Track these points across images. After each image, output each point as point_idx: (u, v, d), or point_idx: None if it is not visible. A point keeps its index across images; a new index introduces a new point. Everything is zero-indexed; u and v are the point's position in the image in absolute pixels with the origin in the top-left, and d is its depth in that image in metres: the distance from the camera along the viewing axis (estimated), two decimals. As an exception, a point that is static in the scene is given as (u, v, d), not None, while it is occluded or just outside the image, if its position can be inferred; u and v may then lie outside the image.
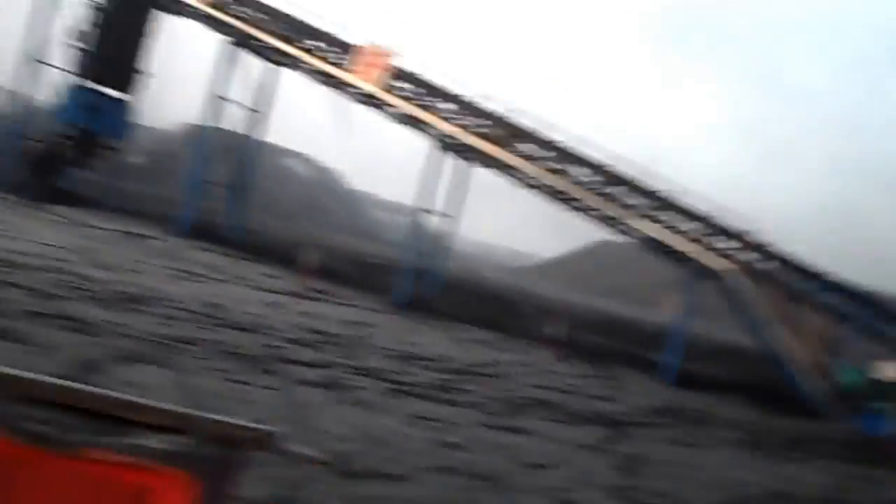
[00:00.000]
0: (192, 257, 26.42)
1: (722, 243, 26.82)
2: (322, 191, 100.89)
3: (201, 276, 22.71)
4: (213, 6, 31.23)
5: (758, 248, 26.49)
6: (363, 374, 13.77)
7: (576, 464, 11.33)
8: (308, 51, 30.50)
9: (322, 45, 30.52)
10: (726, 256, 26.29)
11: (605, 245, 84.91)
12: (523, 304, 40.67)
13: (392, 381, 13.78)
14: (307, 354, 14.35)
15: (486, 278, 65.94)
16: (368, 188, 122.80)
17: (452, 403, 13.32)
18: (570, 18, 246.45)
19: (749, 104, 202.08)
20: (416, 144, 30.45)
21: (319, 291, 25.83)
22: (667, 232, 26.91)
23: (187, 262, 24.94)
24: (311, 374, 12.75)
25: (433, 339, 21.78)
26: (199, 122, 34.14)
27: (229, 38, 31.58)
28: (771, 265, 26.43)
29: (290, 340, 15.44)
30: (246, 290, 21.92)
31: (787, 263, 26.46)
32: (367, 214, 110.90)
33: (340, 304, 24.72)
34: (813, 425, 23.05)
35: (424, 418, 11.56)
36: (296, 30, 30.77)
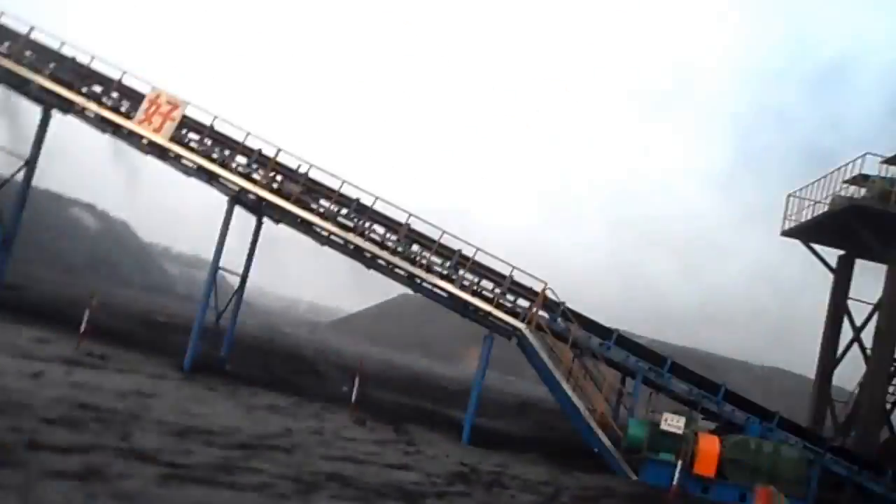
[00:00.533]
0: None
1: (518, 301, 27.13)
2: (111, 243, 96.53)
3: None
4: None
5: (550, 305, 26.87)
6: (132, 458, 12.48)
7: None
8: (89, 97, 28.62)
9: (105, 91, 28.78)
10: (519, 314, 26.49)
11: (409, 298, 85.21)
12: (319, 361, 39.84)
13: (166, 464, 12.52)
14: (65, 437, 12.75)
15: (284, 334, 64.58)
16: (162, 241, 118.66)
17: (234, 487, 12.27)
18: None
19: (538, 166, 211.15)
20: (213, 198, 29.23)
21: (99, 357, 23.85)
22: (465, 291, 26.90)
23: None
24: (66, 462, 11.33)
25: (220, 409, 20.35)
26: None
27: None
28: (562, 323, 26.88)
29: (48, 420, 13.77)
30: (3, 359, 19.55)
31: (577, 320, 26.96)
32: (159, 268, 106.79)
33: (121, 370, 22.85)
34: (604, 480, 23.38)
35: (198, 509, 10.50)
36: (76, 74, 28.88)
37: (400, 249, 27.25)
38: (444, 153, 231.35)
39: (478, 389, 26.73)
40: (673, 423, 24.45)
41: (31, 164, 30.47)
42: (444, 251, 27.23)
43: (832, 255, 33.20)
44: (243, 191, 27.84)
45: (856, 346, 32.13)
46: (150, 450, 13.30)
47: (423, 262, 27.22)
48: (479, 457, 22.57)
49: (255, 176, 28.02)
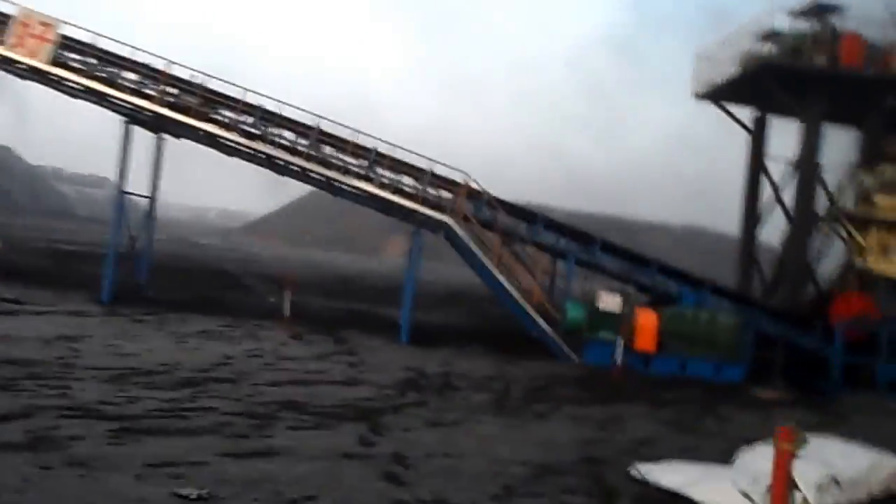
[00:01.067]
0: None
1: (439, 192, 26.58)
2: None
3: None
4: None
5: (474, 195, 26.37)
6: (78, 416, 11.67)
7: (343, 484, 10.14)
8: None
9: None
10: (444, 208, 25.96)
11: (322, 194, 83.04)
12: (242, 274, 38.89)
13: (114, 418, 11.73)
14: (2, 402, 11.89)
15: (198, 245, 63.00)
16: (53, 163, 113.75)
17: (189, 433, 11.61)
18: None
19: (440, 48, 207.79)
20: (107, 115, 27.55)
21: (12, 301, 22.60)
22: (386, 189, 26.16)
23: None
24: (11, 432, 10.48)
25: (152, 343, 19.39)
26: None
27: None
28: (488, 211, 26.47)
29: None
30: None
31: (502, 207, 26.58)
32: (53, 191, 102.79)
33: (38, 313, 21.73)
34: (549, 367, 23.49)
35: (161, 465, 9.82)
36: None
37: (313, 154, 26.25)
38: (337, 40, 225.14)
39: (410, 287, 26.29)
40: (609, 301, 24.61)
41: None
42: (359, 151, 26.31)
43: (746, 114, 33.27)
44: (137, 109, 26.22)
45: (777, 204, 32.56)
46: (92, 403, 12.45)
47: (339, 164, 26.29)
48: (421, 357, 22.32)
49: (148, 92, 26.27)
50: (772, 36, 30.45)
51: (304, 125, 26.40)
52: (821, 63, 28.66)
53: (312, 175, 26.78)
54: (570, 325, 24.91)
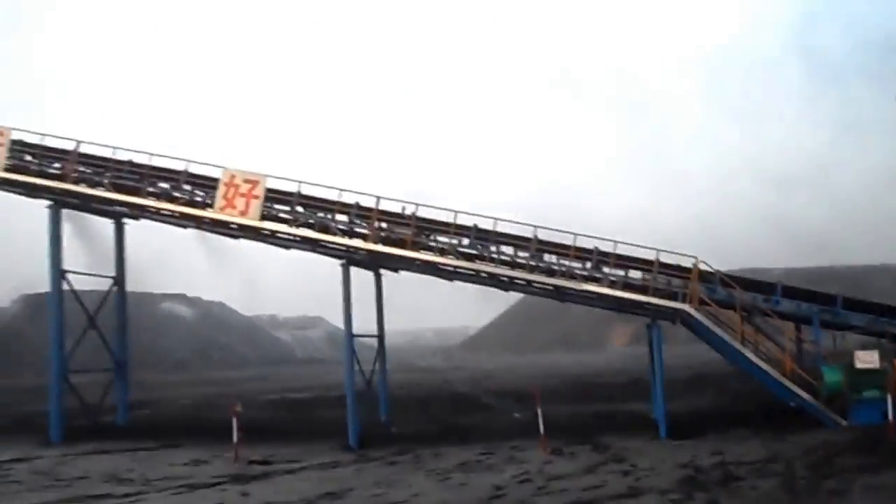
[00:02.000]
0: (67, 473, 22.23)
1: (669, 279, 26.42)
2: (213, 327, 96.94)
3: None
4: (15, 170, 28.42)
5: (704, 275, 26.08)
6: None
7: None
8: (160, 196, 27.89)
9: (175, 185, 27.77)
10: (677, 294, 25.80)
11: (533, 298, 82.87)
12: (478, 392, 39.36)
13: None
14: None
15: (422, 369, 63.50)
16: (267, 311, 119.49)
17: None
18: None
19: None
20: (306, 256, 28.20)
21: (262, 462, 22.70)
22: (616, 287, 26.20)
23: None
24: None
25: (417, 486, 19.00)
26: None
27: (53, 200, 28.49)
28: (723, 290, 26.10)
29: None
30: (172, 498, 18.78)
31: (735, 282, 26.18)
32: (271, 338, 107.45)
33: (291, 471, 21.72)
34: (820, 436, 22.55)
35: None
36: (138, 176, 27.82)
37: (536, 264, 26.67)
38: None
39: (659, 381, 25.92)
40: (867, 359, 23.66)
41: (119, 281, 30.43)
42: (580, 253, 26.46)
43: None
44: (353, 249, 26.89)
45: None
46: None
47: (564, 269, 26.56)
48: (690, 451, 21.68)
49: (362, 231, 27.02)
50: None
51: (520, 237, 26.67)
52: None
53: (538, 285, 27.14)
54: (830, 389, 23.98)
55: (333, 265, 27.20)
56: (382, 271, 29.55)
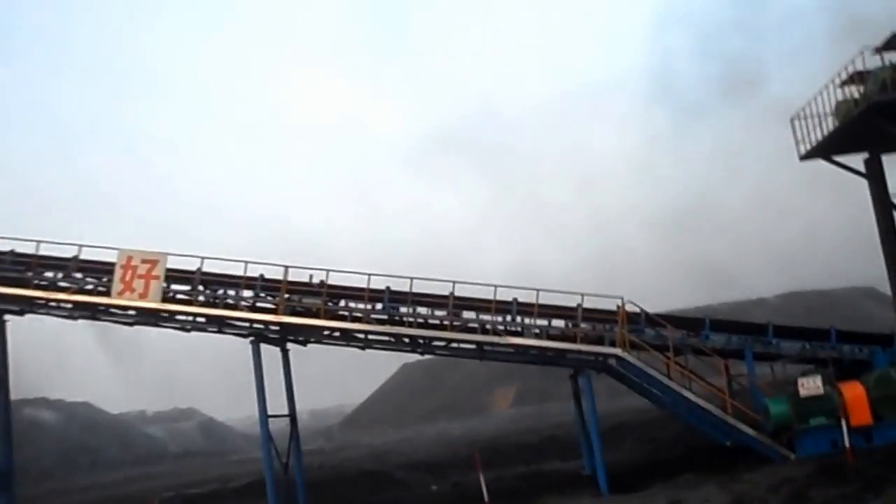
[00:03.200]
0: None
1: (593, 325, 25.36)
2: (80, 429, 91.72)
3: None
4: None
5: (630, 318, 25.09)
6: None
7: None
8: (49, 287, 25.65)
9: (66, 275, 25.63)
10: (604, 339, 24.72)
11: (410, 367, 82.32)
12: (387, 467, 37.28)
13: None
14: None
15: (309, 452, 60.76)
16: (135, 408, 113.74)
17: None
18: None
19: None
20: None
21: None
22: (542, 338, 25.01)
23: None
24: None
25: None
26: None
27: None
28: (651, 330, 25.18)
29: None
30: None
31: (665, 320, 25.31)
32: (143, 436, 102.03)
33: None
34: (774, 472, 21.67)
35: None
36: (22, 266, 25.66)
37: (458, 323, 25.24)
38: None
39: (595, 432, 24.65)
40: (811, 385, 22.95)
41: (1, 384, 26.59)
42: (500, 306, 25.17)
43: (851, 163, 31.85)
44: (264, 324, 25.28)
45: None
46: None
47: (486, 325, 25.18)
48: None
49: (268, 304, 25.42)
50: (859, 77, 29.55)
51: (437, 296, 25.37)
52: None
53: (459, 345, 25.65)
54: (777, 421, 23.14)
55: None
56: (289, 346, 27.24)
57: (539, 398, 60.11)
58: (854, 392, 22.82)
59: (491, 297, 24.94)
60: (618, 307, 24.84)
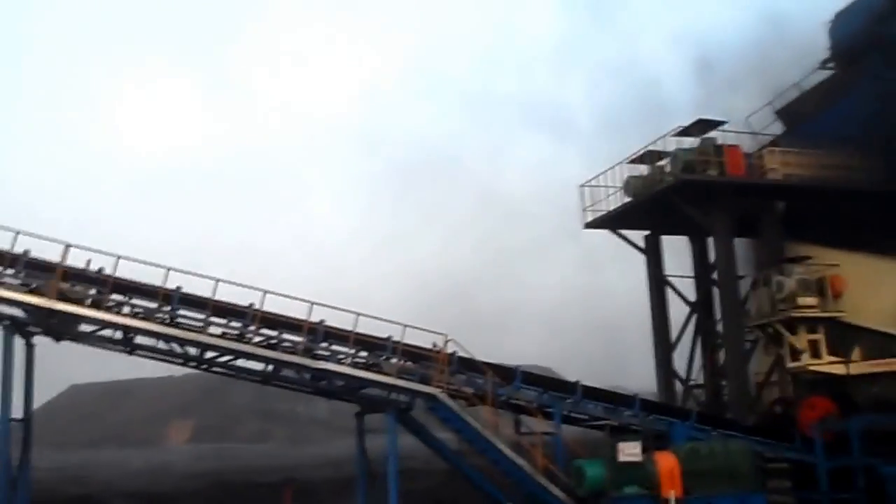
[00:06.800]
0: None
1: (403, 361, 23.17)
2: None
3: None
4: None
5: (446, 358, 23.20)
6: None
7: None
8: None
9: None
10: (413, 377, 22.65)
11: (79, 389, 73.46)
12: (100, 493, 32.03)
13: None
14: None
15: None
16: None
17: None
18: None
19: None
20: None
21: None
22: (344, 366, 22.39)
23: None
24: None
25: None
26: None
27: None
28: (465, 372, 23.46)
29: None
30: None
31: (488, 366, 23.68)
32: None
33: None
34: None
35: None
36: None
37: (258, 339, 22.01)
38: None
39: (394, 481, 22.24)
40: (630, 451, 22.25)
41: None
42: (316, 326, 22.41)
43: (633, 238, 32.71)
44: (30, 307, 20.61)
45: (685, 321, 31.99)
46: None
47: (286, 345, 22.19)
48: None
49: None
50: (646, 157, 30.51)
51: (238, 307, 22.07)
52: (713, 176, 28.89)
53: (255, 361, 22.31)
54: (591, 485, 22.10)
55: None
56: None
57: (218, 436, 56.09)
58: (668, 463, 22.41)
59: (303, 315, 22.00)
60: (434, 345, 22.94)
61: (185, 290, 21.50)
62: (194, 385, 60.88)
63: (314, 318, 22.23)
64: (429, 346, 23.06)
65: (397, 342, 22.81)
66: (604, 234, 32.39)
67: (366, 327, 22.50)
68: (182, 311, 21.49)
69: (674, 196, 28.65)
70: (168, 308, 21.42)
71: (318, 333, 22.33)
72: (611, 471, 22.06)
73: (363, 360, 23.05)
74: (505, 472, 22.83)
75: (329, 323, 22.59)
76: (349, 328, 22.45)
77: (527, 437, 23.57)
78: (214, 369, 23.40)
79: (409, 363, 23.17)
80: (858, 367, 27.53)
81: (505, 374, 24.11)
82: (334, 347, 22.70)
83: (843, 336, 28.09)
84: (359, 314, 22.32)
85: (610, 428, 25.15)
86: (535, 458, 22.61)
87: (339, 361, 22.56)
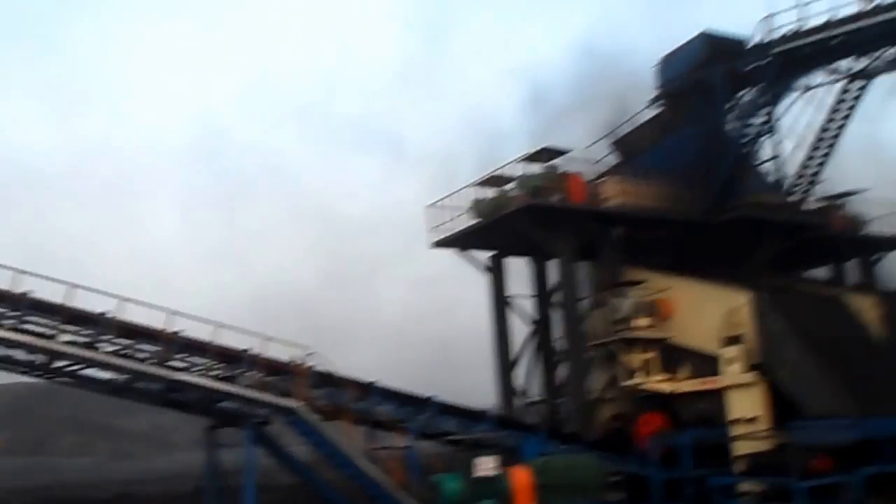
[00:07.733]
0: None
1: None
2: None
3: None
4: None
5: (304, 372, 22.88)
6: None
7: None
8: None
9: None
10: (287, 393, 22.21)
11: None
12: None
13: None
14: None
15: None
16: None
17: None
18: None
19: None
20: None
21: None
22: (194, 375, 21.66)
23: None
24: None
25: None
26: None
27: None
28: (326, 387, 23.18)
29: None
30: None
31: (342, 380, 23.48)
32: None
33: None
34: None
35: None
36: None
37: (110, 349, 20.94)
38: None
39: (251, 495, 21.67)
40: (487, 465, 22.63)
41: None
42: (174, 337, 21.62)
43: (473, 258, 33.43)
44: None
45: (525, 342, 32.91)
46: None
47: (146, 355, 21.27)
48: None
49: None
50: (493, 180, 31.36)
51: (92, 313, 20.95)
52: (556, 201, 29.98)
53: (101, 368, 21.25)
54: (448, 499, 22.26)
55: None
56: None
57: (34, 450, 52.75)
58: (521, 477, 22.88)
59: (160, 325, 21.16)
60: (292, 359, 22.63)
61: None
62: (8, 395, 57.16)
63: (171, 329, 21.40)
64: (283, 359, 22.68)
65: (256, 355, 22.29)
66: (448, 253, 32.89)
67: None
68: (31, 318, 20.11)
69: (520, 219, 29.49)
70: (17, 313, 20.02)
71: (175, 344, 21.50)
72: (468, 485, 22.37)
73: (219, 373, 22.35)
74: (362, 487, 22.70)
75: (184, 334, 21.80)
76: (206, 339, 21.77)
77: (385, 452, 23.46)
78: (59, 378, 22.06)
79: (267, 377, 22.66)
80: (684, 386, 29.20)
81: (362, 389, 24.03)
82: (191, 359, 21.89)
83: (673, 356, 29.78)
84: (218, 325, 21.72)
85: (465, 443, 25.47)
86: (393, 472, 22.61)
87: (195, 373, 21.77)
